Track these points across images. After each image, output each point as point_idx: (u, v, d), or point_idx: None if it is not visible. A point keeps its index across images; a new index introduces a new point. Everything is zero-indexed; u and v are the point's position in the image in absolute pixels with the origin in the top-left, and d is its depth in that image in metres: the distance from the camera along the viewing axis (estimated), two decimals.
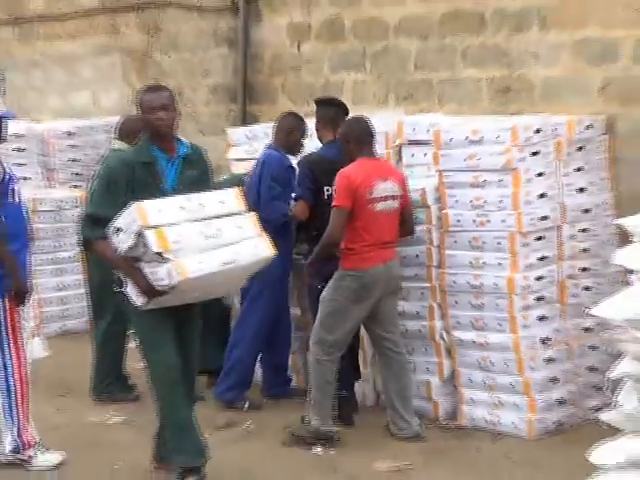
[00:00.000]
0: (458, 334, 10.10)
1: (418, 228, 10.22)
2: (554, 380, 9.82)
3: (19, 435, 9.01)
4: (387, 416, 9.74)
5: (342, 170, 9.53)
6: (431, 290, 10.25)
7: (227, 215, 7.99)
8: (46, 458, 9.09)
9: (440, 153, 10.13)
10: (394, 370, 9.74)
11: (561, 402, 9.84)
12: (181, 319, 8.28)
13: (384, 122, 10.98)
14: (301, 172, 10.07)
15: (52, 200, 14.21)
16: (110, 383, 10.84)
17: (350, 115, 10.38)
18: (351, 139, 9.68)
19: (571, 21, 10.90)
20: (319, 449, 9.36)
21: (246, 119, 13.42)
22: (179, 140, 8.42)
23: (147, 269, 7.37)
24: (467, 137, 9.98)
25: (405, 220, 9.71)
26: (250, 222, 8.16)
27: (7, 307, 8.83)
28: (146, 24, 15.68)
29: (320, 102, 10.58)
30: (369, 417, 10.24)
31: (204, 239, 7.73)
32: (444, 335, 10.24)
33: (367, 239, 9.32)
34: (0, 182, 8.93)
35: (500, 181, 9.76)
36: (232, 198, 8.18)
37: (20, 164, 14.07)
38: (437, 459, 9.18)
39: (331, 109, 10.34)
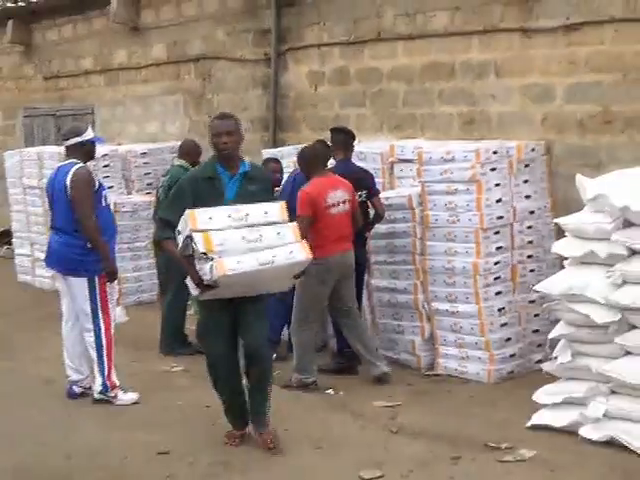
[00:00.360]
0: (436, 305, 10.10)
1: (406, 225, 10.24)
2: (508, 340, 9.83)
3: (107, 379, 9.02)
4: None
5: (302, 188, 9.55)
6: (415, 271, 10.26)
7: (269, 224, 7.51)
8: (126, 397, 9.11)
9: (422, 168, 10.08)
10: (351, 326, 9.70)
11: (512, 356, 9.83)
12: (238, 303, 7.77)
13: (379, 145, 11.20)
14: None
15: (130, 203, 14.22)
16: (173, 341, 10.89)
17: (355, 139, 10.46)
18: (306, 162, 9.71)
19: (519, 71, 10.83)
20: (331, 391, 9.36)
21: (276, 143, 13.35)
22: (242, 160, 7.97)
23: (198, 265, 7.21)
24: (442, 157, 9.94)
25: (355, 217, 9.66)
26: (290, 230, 7.62)
27: (100, 283, 8.86)
28: (201, 72, 15.60)
29: (334, 130, 10.46)
30: (369, 367, 9.96)
31: (246, 243, 7.35)
32: (425, 305, 10.22)
33: (327, 235, 9.26)
34: (95, 191, 8.90)
35: (467, 190, 9.75)
36: (276, 209, 7.64)
37: (107, 176, 14.05)
38: (419, 399, 9.16)
39: (342, 135, 10.26)
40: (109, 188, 13.65)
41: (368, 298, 10.72)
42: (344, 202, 9.51)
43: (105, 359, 9.06)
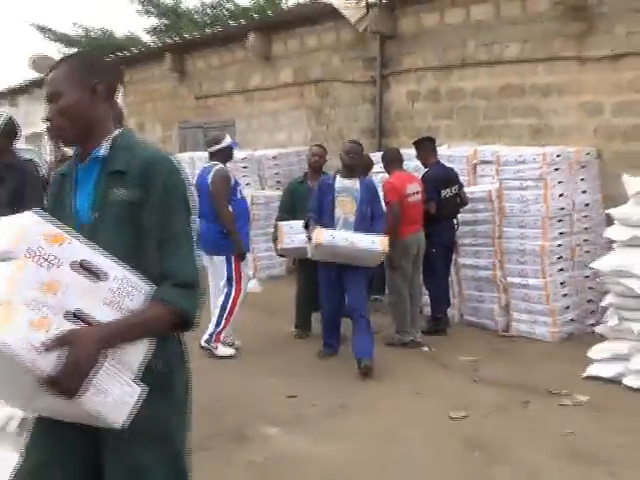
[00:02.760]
0: (510, 279, 10.11)
1: (486, 214, 10.26)
2: (567, 307, 9.84)
3: (214, 333, 9.11)
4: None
5: (387, 180, 9.67)
6: (494, 252, 10.25)
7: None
8: (225, 350, 9.17)
9: (500, 169, 10.11)
10: (403, 301, 9.58)
11: (571, 320, 9.85)
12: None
13: (465, 150, 11.12)
14: (430, 183, 9.82)
15: (264, 197, 14.25)
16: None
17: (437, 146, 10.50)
18: (388, 161, 9.81)
19: (575, 91, 10.85)
20: (426, 348, 9.40)
21: (380, 148, 13.24)
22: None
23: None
24: (516, 159, 9.96)
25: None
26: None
27: (234, 261, 9.03)
28: (321, 92, 15.64)
29: (424, 140, 10.38)
30: (456, 329, 10.26)
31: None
32: (502, 280, 10.19)
33: (406, 219, 9.26)
34: (231, 187, 9.08)
35: (536, 186, 9.76)
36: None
37: (245, 175, 14.17)
38: (497, 355, 9.23)
39: (432, 142, 10.26)
40: (246, 185, 13.91)
41: (456, 273, 10.68)
42: (417, 193, 9.51)
43: (223, 319, 9.13)
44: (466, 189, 10.32)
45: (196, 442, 6.30)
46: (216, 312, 9.14)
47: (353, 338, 8.71)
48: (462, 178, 10.46)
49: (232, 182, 9.19)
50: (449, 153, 11.07)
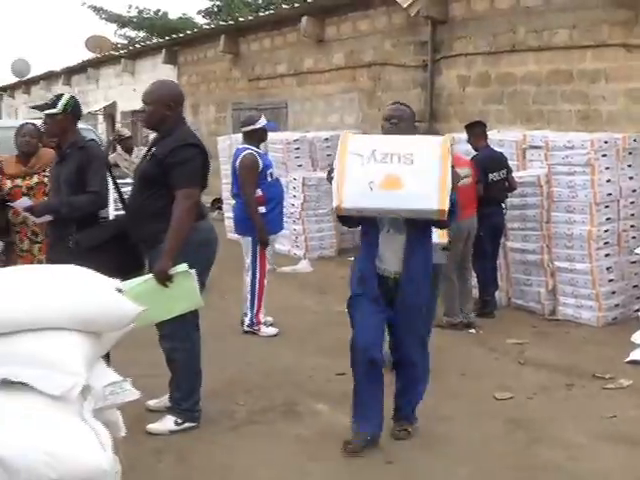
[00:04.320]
0: (557, 263, 10.13)
1: (535, 198, 10.25)
2: (613, 292, 9.87)
3: (254, 316, 9.28)
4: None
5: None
6: (542, 236, 10.26)
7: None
8: (268, 330, 9.33)
9: (548, 154, 10.14)
10: (462, 283, 9.70)
11: (617, 305, 9.89)
12: None
13: (514, 135, 11.09)
14: (479, 166, 9.84)
15: (315, 178, 14.21)
16: None
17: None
18: None
19: (623, 77, 10.96)
20: (473, 330, 9.51)
21: (431, 132, 13.28)
22: None
23: None
24: (564, 145, 9.99)
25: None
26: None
27: (257, 245, 9.10)
28: (372, 75, 15.83)
29: (475, 123, 10.43)
30: (503, 312, 10.33)
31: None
32: (549, 264, 10.22)
33: (459, 203, 9.24)
34: (260, 171, 9.10)
35: (584, 171, 9.77)
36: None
37: (297, 157, 14.33)
38: (542, 338, 9.29)
39: (483, 127, 10.30)
40: (299, 166, 14.07)
41: (504, 257, 10.68)
42: (468, 176, 9.47)
43: (256, 300, 9.26)
44: (515, 174, 10.36)
45: (247, 417, 6.62)
46: (248, 297, 9.32)
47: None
48: (511, 163, 10.49)
49: (261, 166, 9.21)
50: (499, 137, 11.08)
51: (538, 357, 8.50)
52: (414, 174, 5.48)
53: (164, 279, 5.87)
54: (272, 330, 9.39)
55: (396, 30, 15.25)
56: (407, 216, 5.71)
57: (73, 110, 6.79)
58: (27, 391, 3.90)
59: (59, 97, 6.80)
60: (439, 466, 5.75)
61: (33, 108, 7.47)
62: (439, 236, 7.12)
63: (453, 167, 5.58)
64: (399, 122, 6.14)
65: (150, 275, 5.91)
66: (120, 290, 4.35)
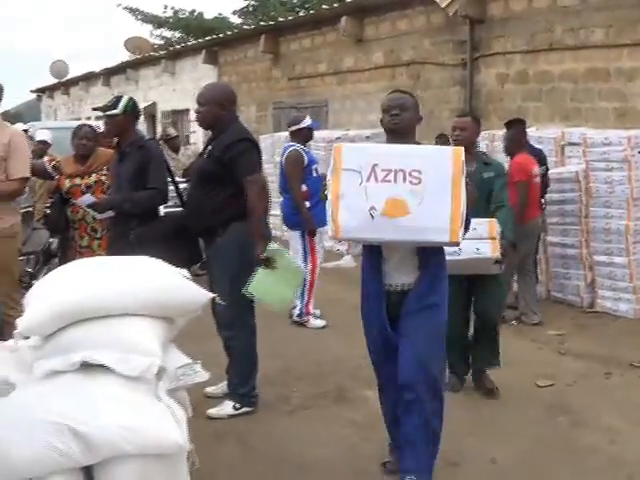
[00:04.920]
0: (596, 257, 10.29)
1: (574, 194, 10.39)
2: None
3: (304, 307, 9.61)
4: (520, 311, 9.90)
5: (515, 160, 9.49)
6: (581, 231, 10.43)
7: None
8: (316, 322, 9.64)
9: (587, 150, 10.27)
10: (530, 283, 9.93)
11: None
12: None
13: (553, 132, 11.29)
14: None
15: None
16: None
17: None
18: (515, 142, 9.67)
19: None
20: (514, 322, 9.71)
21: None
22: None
23: None
24: (602, 141, 10.14)
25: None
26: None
27: (307, 235, 9.38)
28: (412, 74, 16.02)
29: (517, 120, 10.29)
30: (543, 304, 10.39)
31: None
32: (588, 257, 10.37)
33: (531, 201, 9.45)
34: (305, 167, 9.43)
35: (621, 167, 9.92)
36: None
37: None
38: (582, 329, 9.53)
39: (524, 124, 10.20)
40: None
41: (544, 251, 10.82)
42: (538, 175, 9.59)
43: (307, 292, 9.55)
44: (554, 170, 10.52)
45: (301, 402, 6.92)
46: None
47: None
48: (550, 159, 10.64)
49: (306, 162, 9.53)
50: (538, 135, 11.22)
51: (577, 347, 8.72)
52: (423, 198, 4.63)
53: (266, 262, 6.29)
54: (320, 322, 9.70)
55: (435, 29, 15.44)
56: (415, 245, 5.00)
57: (132, 111, 7.15)
58: (106, 373, 4.21)
59: (119, 99, 7.16)
60: (484, 449, 5.99)
61: (94, 109, 7.79)
62: (492, 250, 6.64)
63: (467, 183, 4.73)
64: (401, 112, 5.25)
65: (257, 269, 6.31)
66: (188, 278, 4.64)
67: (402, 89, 5.85)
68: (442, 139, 12.50)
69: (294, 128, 9.77)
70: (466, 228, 4.84)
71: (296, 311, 9.69)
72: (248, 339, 6.73)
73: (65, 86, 38.04)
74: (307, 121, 9.81)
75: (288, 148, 9.65)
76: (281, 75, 20.73)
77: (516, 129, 9.85)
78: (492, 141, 11.85)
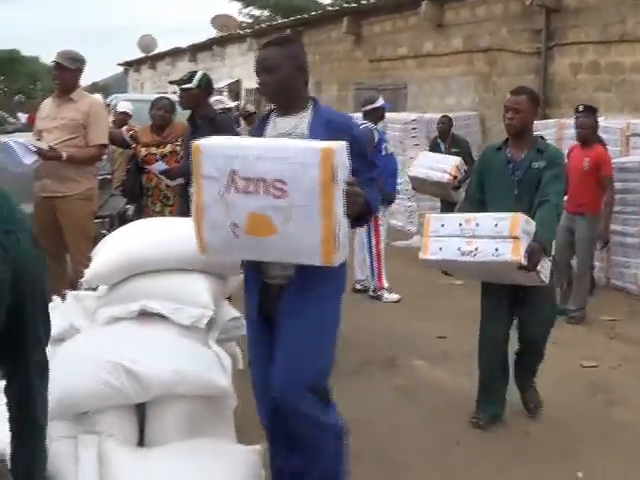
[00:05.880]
0: None
1: (636, 184, 10.34)
2: None
3: (377, 281, 9.91)
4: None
5: (604, 152, 9.43)
6: None
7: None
8: (390, 296, 9.92)
9: None
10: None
11: None
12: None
13: (619, 122, 11.35)
14: None
15: None
16: None
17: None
18: (594, 130, 9.47)
19: None
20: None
21: (545, 117, 13.52)
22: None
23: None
24: None
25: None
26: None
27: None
28: (488, 60, 16.16)
29: (590, 107, 10.21)
30: (601, 291, 10.56)
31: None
32: None
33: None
34: (375, 145, 9.63)
35: None
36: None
37: (414, 137, 14.80)
38: (635, 316, 9.62)
39: (597, 112, 10.19)
40: (415, 145, 14.48)
41: None
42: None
43: (376, 267, 9.86)
44: (617, 159, 10.50)
45: (350, 367, 7.28)
46: (368, 263, 9.99)
47: None
48: (615, 149, 10.70)
49: (376, 140, 9.77)
50: (605, 124, 11.15)
51: (628, 333, 8.86)
52: (289, 214, 3.83)
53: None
54: (395, 296, 10.00)
55: (512, 17, 15.56)
56: None
57: (206, 86, 7.58)
58: (162, 321, 4.64)
59: (194, 73, 7.59)
60: (518, 420, 6.28)
61: (170, 83, 8.24)
62: (512, 252, 5.39)
63: (348, 188, 3.90)
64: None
65: None
66: None
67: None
68: (444, 120, 13.20)
69: (368, 107, 10.10)
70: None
71: (371, 287, 10.06)
72: None
73: (152, 60, 38.73)
74: (380, 101, 10.15)
75: (360, 126, 9.95)
76: (362, 56, 20.94)
77: (594, 117, 9.72)
78: (561, 129, 11.95)
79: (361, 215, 4.21)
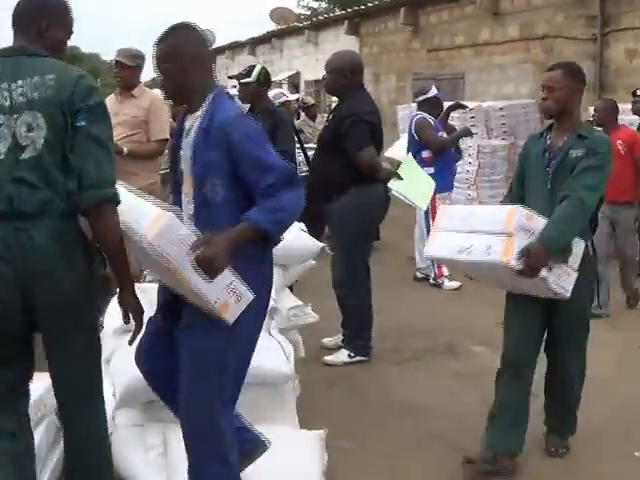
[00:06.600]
0: None
1: None
2: None
3: (436, 269, 9.99)
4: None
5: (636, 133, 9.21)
6: None
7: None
8: (449, 284, 9.98)
9: None
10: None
11: None
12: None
13: None
14: None
15: (490, 146, 14.76)
16: None
17: None
18: (613, 112, 9.02)
19: None
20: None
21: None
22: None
23: None
24: None
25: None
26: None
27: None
28: (545, 47, 16.17)
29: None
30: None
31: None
32: None
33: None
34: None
35: None
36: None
37: (472, 125, 14.55)
38: None
39: None
40: (475, 134, 14.55)
41: None
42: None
43: None
44: None
45: (411, 354, 7.40)
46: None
47: None
48: None
49: (433, 127, 9.95)
50: None
51: None
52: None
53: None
54: (455, 283, 10.03)
55: (567, 3, 15.52)
56: None
57: (265, 79, 7.74)
58: None
59: (252, 68, 7.78)
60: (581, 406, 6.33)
61: (230, 77, 8.40)
62: (504, 252, 4.51)
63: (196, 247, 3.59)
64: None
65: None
66: (304, 231, 5.15)
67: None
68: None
69: (421, 98, 10.25)
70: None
71: (432, 274, 10.14)
72: (361, 298, 7.19)
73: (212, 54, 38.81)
74: (433, 91, 10.25)
75: (416, 117, 10.10)
76: (420, 46, 20.99)
77: (613, 101, 9.39)
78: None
79: (255, 239, 3.79)
